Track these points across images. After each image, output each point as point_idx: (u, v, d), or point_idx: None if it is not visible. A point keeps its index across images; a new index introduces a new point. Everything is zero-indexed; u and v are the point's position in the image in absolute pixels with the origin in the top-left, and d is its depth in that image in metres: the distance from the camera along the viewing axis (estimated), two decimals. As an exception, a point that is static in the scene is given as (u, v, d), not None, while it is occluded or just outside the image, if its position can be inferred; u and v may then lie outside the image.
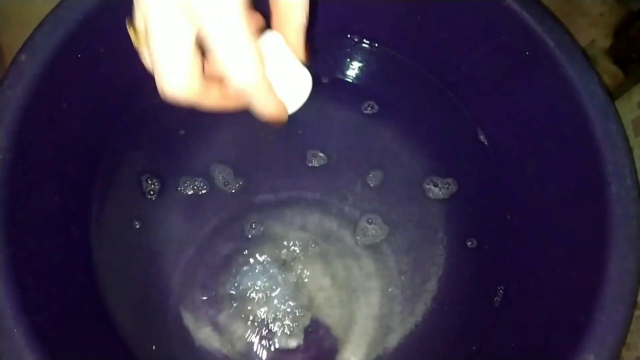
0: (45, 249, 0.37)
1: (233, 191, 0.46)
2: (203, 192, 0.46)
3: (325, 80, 0.50)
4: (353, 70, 0.51)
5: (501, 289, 0.45)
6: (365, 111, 0.49)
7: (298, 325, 0.44)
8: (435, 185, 0.48)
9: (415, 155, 0.49)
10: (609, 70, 0.55)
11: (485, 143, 0.49)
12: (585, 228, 0.37)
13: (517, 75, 0.43)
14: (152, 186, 0.45)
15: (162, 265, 0.44)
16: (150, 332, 0.43)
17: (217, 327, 0.43)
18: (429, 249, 0.46)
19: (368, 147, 0.49)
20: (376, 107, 0.49)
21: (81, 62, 0.39)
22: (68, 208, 0.41)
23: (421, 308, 0.45)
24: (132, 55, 0.27)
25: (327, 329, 0.44)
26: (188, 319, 0.43)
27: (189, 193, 0.46)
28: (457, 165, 0.49)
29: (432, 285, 0.45)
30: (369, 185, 0.48)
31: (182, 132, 0.47)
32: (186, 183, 0.46)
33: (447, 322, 0.45)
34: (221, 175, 0.46)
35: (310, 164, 0.48)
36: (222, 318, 0.44)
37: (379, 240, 0.46)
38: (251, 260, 0.45)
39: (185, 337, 0.43)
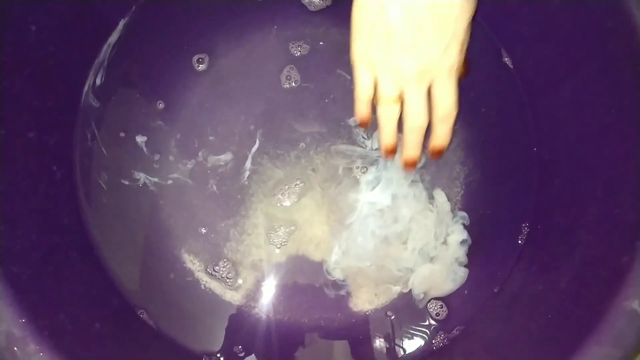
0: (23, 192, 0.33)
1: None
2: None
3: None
4: None
5: (526, 226, 0.41)
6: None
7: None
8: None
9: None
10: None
11: (511, 67, 0.44)
12: (631, 158, 0.33)
13: None
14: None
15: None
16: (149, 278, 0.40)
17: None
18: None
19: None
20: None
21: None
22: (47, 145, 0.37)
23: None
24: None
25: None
26: (190, 262, 0.41)
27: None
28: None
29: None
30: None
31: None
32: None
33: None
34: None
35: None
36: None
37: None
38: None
39: (187, 281, 0.40)
